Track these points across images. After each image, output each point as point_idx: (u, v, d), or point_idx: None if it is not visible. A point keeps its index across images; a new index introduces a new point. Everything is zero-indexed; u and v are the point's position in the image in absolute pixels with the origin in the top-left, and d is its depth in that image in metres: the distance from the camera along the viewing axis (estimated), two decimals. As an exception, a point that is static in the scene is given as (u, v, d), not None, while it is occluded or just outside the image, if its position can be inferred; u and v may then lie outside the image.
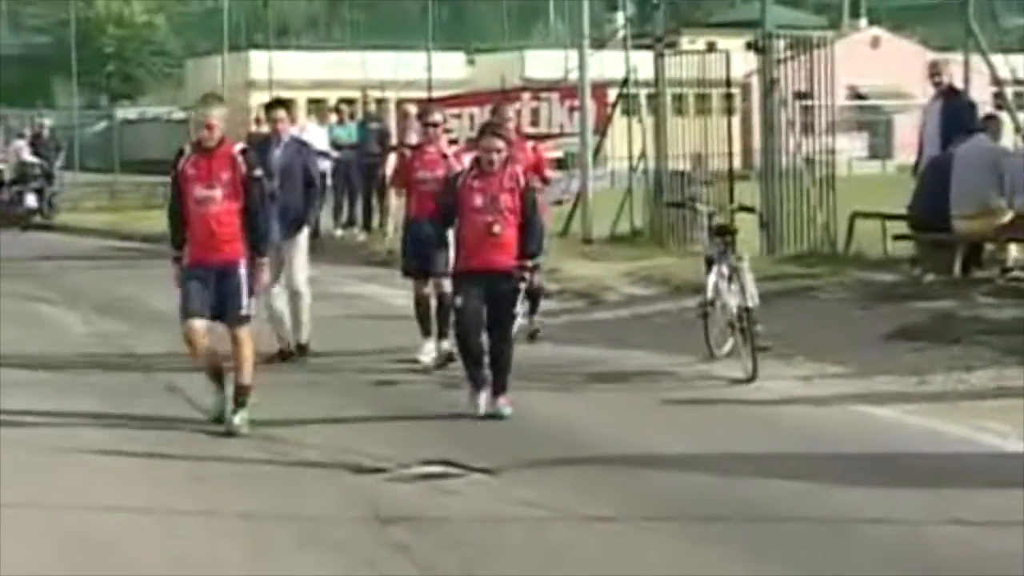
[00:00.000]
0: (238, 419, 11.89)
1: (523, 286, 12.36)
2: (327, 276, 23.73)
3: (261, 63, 47.66)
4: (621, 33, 46.63)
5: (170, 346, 15.10)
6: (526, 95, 28.26)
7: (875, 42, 58.56)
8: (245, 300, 11.98)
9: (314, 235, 28.61)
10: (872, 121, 51.29)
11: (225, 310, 12.00)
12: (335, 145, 29.40)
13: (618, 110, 26.61)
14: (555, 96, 27.71)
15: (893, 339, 15.24)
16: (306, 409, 12.66)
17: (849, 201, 21.46)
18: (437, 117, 15.45)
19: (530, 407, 12.42)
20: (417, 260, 14.81)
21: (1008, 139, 19.59)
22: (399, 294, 19.76)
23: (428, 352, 14.82)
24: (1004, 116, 20.09)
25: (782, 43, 23.15)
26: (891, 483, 9.91)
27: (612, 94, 26.78)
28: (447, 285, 13.71)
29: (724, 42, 29.17)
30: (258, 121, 28.34)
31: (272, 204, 13.88)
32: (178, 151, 12.33)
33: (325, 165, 29.41)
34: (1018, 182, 17.33)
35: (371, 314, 19.04)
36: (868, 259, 20.03)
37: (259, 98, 45.84)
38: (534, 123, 26.58)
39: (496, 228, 11.94)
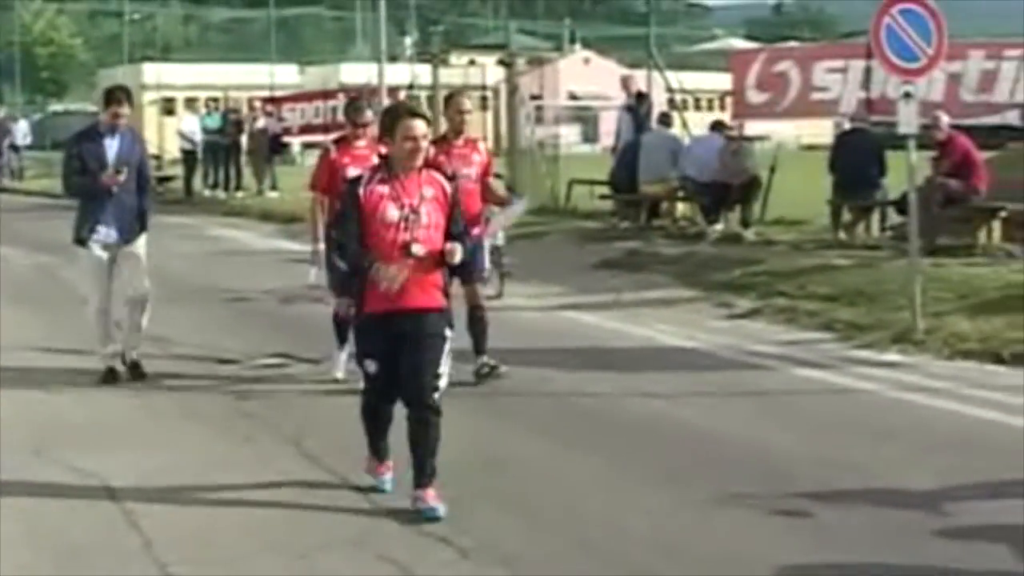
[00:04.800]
0: None
1: (450, 333, 6.84)
2: (200, 223, 23.35)
3: (151, 71, 46.77)
4: (408, 52, 46.47)
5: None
6: (341, 95, 27.94)
7: (586, 61, 59.00)
8: None
9: (188, 194, 28.53)
10: (584, 116, 51.62)
11: None
12: (204, 130, 29.41)
13: (407, 106, 26.53)
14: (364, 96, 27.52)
15: (598, 268, 15.42)
16: (185, 320, 12.37)
17: (568, 172, 21.65)
18: (368, 116, 9.60)
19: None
20: (340, 275, 8.59)
21: (677, 129, 19.92)
22: (249, 236, 19.49)
23: (341, 366, 9.48)
24: (674, 114, 20.47)
25: (522, 60, 23.36)
26: (595, 368, 10.05)
27: (402, 94, 26.62)
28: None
29: (481, 59, 29.04)
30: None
31: (108, 201, 9.54)
32: None
33: (197, 141, 29.21)
34: (683, 160, 17.63)
35: (229, 251, 18.77)
36: (581, 212, 20.21)
37: (149, 96, 45.06)
38: (348, 115, 26.38)
39: (416, 249, 6.37)
